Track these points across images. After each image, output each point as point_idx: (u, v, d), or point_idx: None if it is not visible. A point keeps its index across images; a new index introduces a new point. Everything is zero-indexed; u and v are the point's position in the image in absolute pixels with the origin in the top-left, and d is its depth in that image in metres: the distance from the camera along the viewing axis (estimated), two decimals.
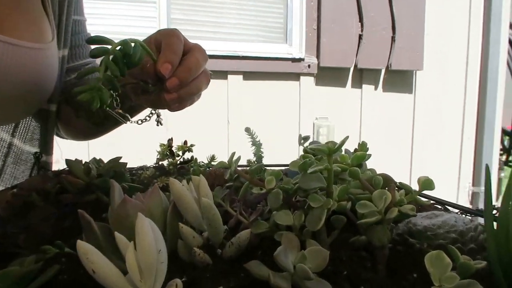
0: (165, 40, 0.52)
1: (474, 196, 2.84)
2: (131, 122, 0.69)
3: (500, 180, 3.15)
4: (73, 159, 0.75)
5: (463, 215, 0.50)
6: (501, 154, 3.44)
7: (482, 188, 2.80)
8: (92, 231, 0.39)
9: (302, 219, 0.39)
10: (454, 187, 2.78)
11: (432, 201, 0.56)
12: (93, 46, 0.43)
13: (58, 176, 0.79)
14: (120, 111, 0.62)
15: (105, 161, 0.75)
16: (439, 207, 0.57)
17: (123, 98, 0.62)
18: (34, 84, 0.60)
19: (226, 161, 0.46)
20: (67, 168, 0.81)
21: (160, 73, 0.48)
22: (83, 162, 0.75)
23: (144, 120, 0.68)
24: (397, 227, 0.48)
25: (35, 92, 0.62)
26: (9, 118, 0.67)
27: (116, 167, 0.72)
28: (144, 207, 0.39)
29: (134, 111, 0.72)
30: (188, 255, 0.40)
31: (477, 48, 2.74)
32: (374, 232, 0.40)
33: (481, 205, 2.82)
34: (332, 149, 0.37)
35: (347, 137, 0.38)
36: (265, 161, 0.81)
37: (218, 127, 2.27)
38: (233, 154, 0.45)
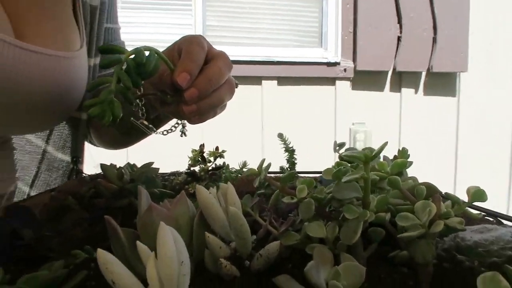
0: (185, 48, 0.48)
1: None
2: (156, 133, 0.67)
3: None
4: (108, 164, 0.76)
5: None
6: None
7: None
8: (118, 238, 0.38)
9: (336, 231, 0.36)
10: (505, 196, 2.60)
11: (482, 213, 0.51)
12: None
13: (93, 180, 0.81)
14: (145, 122, 0.60)
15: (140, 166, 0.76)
16: (491, 219, 0.51)
17: (148, 108, 0.60)
18: (59, 93, 0.58)
19: (256, 168, 0.44)
20: (101, 173, 0.83)
21: (177, 83, 0.45)
22: (117, 167, 0.76)
23: (169, 131, 0.66)
24: (443, 242, 0.44)
25: (61, 101, 0.60)
26: (37, 126, 0.66)
27: (148, 173, 0.73)
28: (170, 215, 0.38)
29: (160, 121, 0.71)
30: (215, 266, 0.38)
31: None
32: (416, 247, 0.37)
33: None
34: (369, 156, 0.34)
35: (386, 143, 0.35)
36: (299, 168, 0.79)
37: (252, 133, 2.27)
38: (263, 161, 0.43)
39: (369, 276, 0.36)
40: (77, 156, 0.86)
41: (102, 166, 0.75)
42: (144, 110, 0.57)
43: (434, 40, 2.32)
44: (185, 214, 0.39)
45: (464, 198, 0.41)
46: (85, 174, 0.85)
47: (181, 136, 0.72)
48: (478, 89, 2.50)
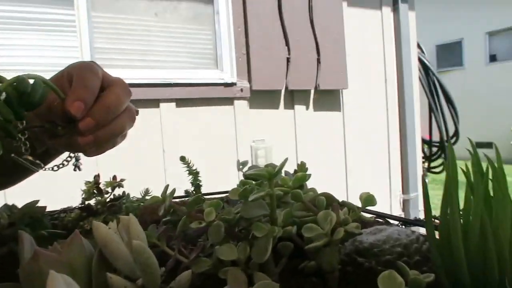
0: (76, 74, 0.44)
1: (405, 203, 3.03)
2: (45, 170, 0.58)
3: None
4: None
5: (404, 227, 0.50)
6: (423, 162, 3.75)
7: (412, 194, 3.00)
8: None
9: (247, 251, 0.36)
10: (387, 196, 2.95)
11: (373, 216, 0.56)
12: None
13: None
14: (30, 158, 0.51)
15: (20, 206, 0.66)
16: (381, 220, 0.57)
17: (34, 142, 0.53)
18: None
19: (160, 195, 0.42)
20: None
21: (70, 113, 0.40)
22: None
23: (60, 166, 0.58)
24: (344, 247, 0.47)
25: None
26: None
27: (32, 213, 0.63)
28: (61, 260, 0.33)
29: (49, 156, 0.61)
30: None
31: (392, 66, 2.99)
32: (323, 256, 0.39)
33: (412, 212, 3.02)
34: (272, 173, 0.35)
35: (286, 159, 0.37)
36: (205, 189, 0.77)
37: (153, 157, 2.18)
38: (167, 187, 0.41)
39: None
40: None
41: None
42: (28, 145, 0.49)
43: (318, 61, 2.56)
44: (80, 256, 0.35)
45: (357, 203, 0.45)
46: None
47: (75, 170, 0.63)
48: (358, 104, 2.83)
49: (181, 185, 0.73)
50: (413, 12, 3.09)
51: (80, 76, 0.43)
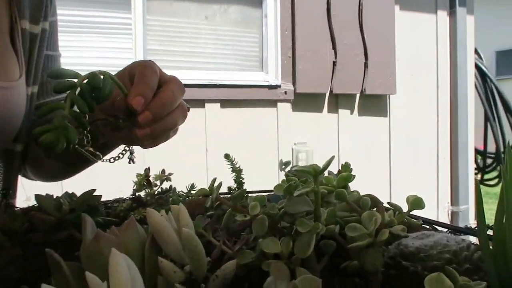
0: (138, 72, 0.48)
1: (453, 216, 2.88)
2: (103, 161, 0.64)
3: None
4: (44, 194, 0.70)
5: (453, 235, 0.48)
6: (476, 173, 3.54)
7: (461, 207, 2.85)
8: (61, 272, 0.35)
9: (290, 246, 0.37)
10: (434, 207, 2.82)
11: (419, 221, 0.55)
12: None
13: (26, 214, 0.74)
14: (91, 149, 0.57)
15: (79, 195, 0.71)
16: (427, 227, 0.56)
17: (95, 135, 0.58)
18: (5, 126, 0.58)
19: (207, 188, 0.44)
20: (36, 205, 0.76)
21: (131, 106, 0.45)
22: (54, 197, 0.70)
23: (116, 158, 0.64)
24: (388, 250, 0.46)
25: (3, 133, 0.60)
26: None
27: (89, 201, 0.68)
28: (119, 242, 0.36)
29: (107, 149, 0.68)
30: None
31: (446, 72, 2.86)
32: (366, 256, 0.39)
33: (461, 225, 2.86)
34: (318, 170, 0.36)
35: (333, 157, 0.37)
36: (246, 188, 0.79)
37: (196, 156, 2.24)
38: (214, 180, 0.43)
39: (325, 286, 0.37)
40: (6, 189, 0.79)
41: (37, 197, 0.69)
42: (89, 138, 0.54)
43: (366, 65, 2.51)
44: (135, 240, 0.37)
45: (403, 207, 0.44)
46: (17, 207, 0.77)
47: (129, 163, 0.69)
48: (406, 110, 2.73)
49: (223, 183, 0.75)
50: (472, 16, 2.94)
51: (142, 74, 0.47)
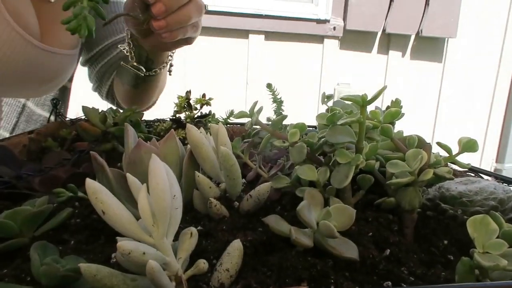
0: None
1: (497, 173, 2.76)
2: (147, 74, 0.73)
3: None
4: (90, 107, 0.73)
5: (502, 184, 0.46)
6: None
7: (506, 165, 2.71)
8: (105, 175, 0.37)
9: (327, 175, 0.36)
10: (477, 162, 2.70)
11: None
12: None
13: (74, 124, 0.78)
14: (135, 63, 0.68)
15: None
16: (472, 175, 0.53)
17: (139, 51, 0.68)
18: (61, 80, 0.73)
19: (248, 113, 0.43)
20: (84, 118, 0.80)
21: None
22: (100, 111, 0.73)
23: (157, 71, 0.73)
24: (427, 192, 0.45)
25: (59, 82, 0.75)
26: (37, 94, 0.81)
27: (132, 117, 0.70)
28: (159, 152, 0.37)
29: (151, 63, 0.74)
30: (204, 206, 0.38)
31: None
32: (404, 195, 0.37)
33: None
34: (367, 100, 0.34)
35: (385, 87, 0.34)
36: (286, 114, 0.78)
37: (236, 86, 2.23)
38: (255, 103, 0.42)
39: (357, 219, 0.37)
40: (57, 99, 0.83)
41: (84, 108, 0.72)
42: (133, 54, 0.66)
43: (427, 2, 2.27)
44: (175, 153, 0.38)
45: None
46: (67, 118, 0.82)
47: (169, 74, 0.79)
48: (464, 57, 2.51)
49: (261, 117, 0.76)
50: None
51: None
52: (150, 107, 0.96)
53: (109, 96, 0.94)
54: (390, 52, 2.42)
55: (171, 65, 0.76)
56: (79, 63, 0.88)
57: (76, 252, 0.35)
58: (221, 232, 0.33)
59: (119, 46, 0.72)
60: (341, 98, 0.34)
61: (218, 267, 0.29)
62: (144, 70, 0.70)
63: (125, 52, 0.68)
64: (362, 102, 0.33)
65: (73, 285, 0.29)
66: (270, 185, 0.37)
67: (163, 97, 0.98)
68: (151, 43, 0.63)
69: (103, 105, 0.93)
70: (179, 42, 0.62)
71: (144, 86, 0.83)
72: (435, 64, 2.51)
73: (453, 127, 2.57)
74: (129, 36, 0.67)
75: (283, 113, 0.76)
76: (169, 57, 0.74)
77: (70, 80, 0.92)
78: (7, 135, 0.84)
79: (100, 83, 0.93)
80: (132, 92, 0.85)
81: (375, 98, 0.34)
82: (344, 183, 0.35)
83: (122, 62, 0.72)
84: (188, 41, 0.63)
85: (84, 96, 0.98)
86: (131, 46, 0.67)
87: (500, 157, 2.76)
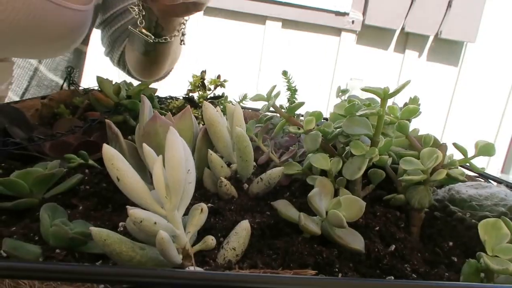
0: None
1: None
2: (156, 41, 0.71)
3: None
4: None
5: None
6: None
7: (511, 176, 2.69)
8: (118, 145, 0.37)
9: (339, 166, 0.36)
10: (485, 165, 2.68)
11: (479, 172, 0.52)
12: None
13: (87, 93, 0.78)
14: (144, 29, 0.67)
15: None
16: (482, 180, 0.52)
17: (149, 15, 0.66)
18: (73, 38, 0.69)
19: (265, 96, 0.43)
20: (97, 88, 0.80)
21: None
22: (114, 83, 0.73)
23: (168, 39, 0.71)
24: (437, 193, 0.44)
25: (71, 41, 0.72)
26: (51, 54, 0.78)
27: (145, 91, 0.70)
28: (174, 126, 0.37)
29: (161, 30, 0.72)
30: (213, 185, 0.38)
31: None
32: (415, 193, 0.37)
33: None
34: (388, 93, 0.33)
35: (408, 81, 0.34)
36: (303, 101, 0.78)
37: (249, 72, 2.21)
38: (274, 87, 0.41)
39: (365, 213, 0.37)
40: (71, 67, 0.83)
41: (98, 78, 0.72)
42: (141, 18, 0.64)
43: (449, 4, 2.23)
44: (189, 129, 0.38)
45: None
46: (80, 86, 0.82)
47: (181, 44, 0.76)
48: (481, 63, 2.47)
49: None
50: None
51: None
52: (162, 78, 0.93)
53: (121, 62, 0.92)
54: (407, 51, 2.38)
55: (183, 34, 0.73)
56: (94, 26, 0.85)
57: (84, 217, 0.35)
58: (229, 212, 0.33)
59: (128, 6, 0.70)
60: (361, 89, 0.34)
61: (225, 245, 0.29)
62: (153, 37, 0.69)
63: (134, 14, 0.66)
64: (383, 95, 0.33)
65: (79, 248, 0.29)
66: (282, 170, 0.37)
67: (176, 75, 0.98)
68: (160, 6, 0.62)
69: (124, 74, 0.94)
70: (188, 8, 0.60)
71: (154, 55, 0.81)
72: (451, 67, 2.48)
73: (462, 133, 2.54)
74: None
75: (297, 101, 0.76)
76: (182, 25, 0.72)
77: (86, 43, 0.89)
78: (17, 99, 0.82)
79: (112, 48, 0.90)
80: (143, 60, 0.84)
81: (397, 92, 0.33)
82: (356, 175, 0.35)
83: (129, 26, 0.69)
84: (197, 7, 0.60)
85: (101, 62, 0.97)
86: (141, 8, 0.66)
87: (506, 168, 2.73)
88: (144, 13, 0.66)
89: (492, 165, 2.72)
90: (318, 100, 2.27)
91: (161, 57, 0.81)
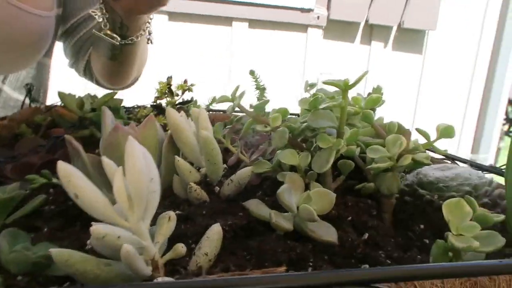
0: None
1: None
2: (122, 42, 0.69)
3: (499, 149, 3.14)
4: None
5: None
6: (503, 124, 3.40)
7: (480, 156, 2.79)
8: (80, 160, 0.36)
9: (308, 160, 0.36)
10: (453, 153, 2.77)
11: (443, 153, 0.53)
12: None
13: (50, 110, 0.76)
14: (109, 31, 0.65)
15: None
16: (449, 162, 0.54)
17: (113, 16, 0.64)
18: (39, 47, 0.69)
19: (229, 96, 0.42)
20: (60, 103, 0.77)
21: None
22: (77, 97, 0.71)
23: (135, 39, 0.69)
24: (406, 178, 0.45)
25: (37, 52, 0.71)
26: (8, 70, 0.75)
27: (110, 103, 0.69)
28: (137, 137, 0.36)
29: (127, 30, 0.70)
30: (183, 191, 0.37)
31: (495, 15, 2.60)
32: (383, 180, 0.38)
33: None
34: (348, 84, 0.34)
35: (366, 72, 0.34)
36: (268, 99, 0.78)
37: (219, 74, 2.21)
38: (237, 87, 0.41)
39: (337, 204, 0.37)
40: (31, 84, 0.80)
41: (60, 94, 0.70)
42: (105, 20, 0.63)
43: None
44: (153, 137, 0.37)
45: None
46: (41, 103, 0.79)
47: (148, 43, 0.75)
48: (443, 49, 2.55)
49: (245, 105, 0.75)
50: None
51: None
52: (131, 84, 0.91)
53: (87, 72, 0.90)
54: (373, 42, 2.43)
55: (149, 33, 0.71)
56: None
57: (49, 239, 0.33)
58: (201, 217, 0.33)
59: (90, 11, 0.68)
60: (323, 83, 0.34)
61: (197, 251, 0.28)
62: (119, 38, 0.67)
63: (97, 18, 0.64)
64: (344, 86, 0.33)
65: (45, 272, 0.28)
66: (251, 170, 0.37)
67: (143, 83, 0.96)
68: (123, 5, 0.60)
69: (91, 86, 0.91)
70: (152, 3, 0.59)
71: (122, 58, 0.79)
72: (416, 55, 2.55)
73: (431, 118, 2.62)
74: (101, 0, 0.63)
75: (267, 99, 0.76)
76: (147, 24, 0.70)
77: (49, 56, 0.86)
78: None
79: (77, 58, 0.88)
80: (110, 65, 0.81)
81: (356, 82, 0.33)
82: (324, 168, 0.35)
83: (94, 30, 0.68)
84: (161, 2, 0.59)
85: (66, 74, 0.94)
86: (104, 11, 0.63)
87: (475, 148, 2.84)
88: (107, 16, 0.64)
89: (463, 146, 2.81)
90: (290, 97, 2.29)
91: (129, 60, 0.79)
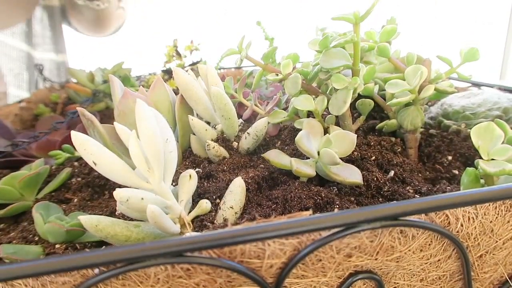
0: None
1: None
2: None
3: None
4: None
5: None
6: None
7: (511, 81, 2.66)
8: (96, 130, 0.36)
9: (325, 104, 0.35)
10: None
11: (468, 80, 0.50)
12: None
13: (64, 87, 0.76)
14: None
15: None
16: (475, 89, 0.51)
17: None
18: None
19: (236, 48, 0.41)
20: (73, 80, 0.77)
21: None
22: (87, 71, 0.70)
23: (99, 5, 0.74)
24: (430, 111, 0.43)
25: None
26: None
27: (120, 72, 0.68)
28: (148, 100, 0.35)
29: None
30: (202, 150, 0.37)
31: None
32: (406, 114, 0.36)
33: None
34: (358, 16, 0.31)
35: (378, 0, 0.31)
36: (277, 46, 0.76)
37: (229, 29, 2.14)
38: (243, 37, 0.39)
39: (359, 145, 0.36)
40: (41, 65, 0.81)
41: (70, 70, 0.70)
42: None
43: None
44: (165, 99, 0.37)
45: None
46: (54, 82, 0.79)
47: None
48: None
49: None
50: None
51: None
52: (114, 32, 0.95)
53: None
54: None
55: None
56: None
57: (80, 208, 0.35)
58: (222, 173, 0.33)
59: None
60: (332, 19, 0.32)
61: (222, 205, 0.28)
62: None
63: None
64: (355, 19, 0.31)
65: (80, 239, 0.29)
66: (267, 120, 0.36)
67: (151, 51, 0.94)
68: None
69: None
70: None
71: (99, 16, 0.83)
72: None
73: (452, 45, 2.48)
74: None
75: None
76: None
77: (63, 51, 0.93)
78: None
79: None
80: (85, 23, 0.87)
81: (368, 13, 0.31)
82: (342, 109, 0.34)
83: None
84: None
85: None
86: None
87: (502, 74, 2.70)
88: None
89: (490, 76, 2.68)
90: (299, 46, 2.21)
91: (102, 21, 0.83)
